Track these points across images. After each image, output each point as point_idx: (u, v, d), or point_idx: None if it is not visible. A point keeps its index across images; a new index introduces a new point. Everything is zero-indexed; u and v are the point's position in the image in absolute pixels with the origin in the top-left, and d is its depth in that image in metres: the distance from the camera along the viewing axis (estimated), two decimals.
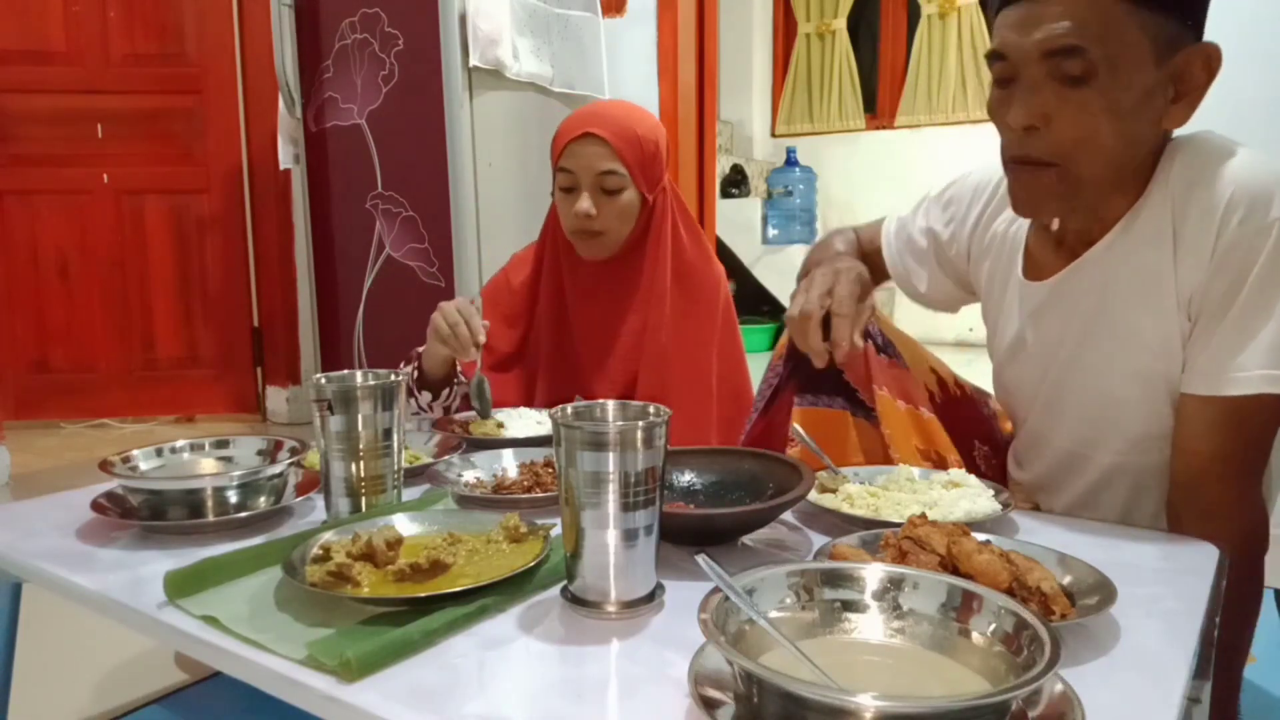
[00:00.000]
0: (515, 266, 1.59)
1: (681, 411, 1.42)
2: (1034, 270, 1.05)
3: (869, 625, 0.63)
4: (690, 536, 0.85)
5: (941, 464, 1.11)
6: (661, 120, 2.87)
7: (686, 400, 1.43)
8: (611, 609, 0.72)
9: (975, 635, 0.59)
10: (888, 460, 1.10)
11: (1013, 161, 0.94)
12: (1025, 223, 1.07)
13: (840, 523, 0.91)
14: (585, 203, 1.38)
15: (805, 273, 1.21)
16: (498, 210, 2.52)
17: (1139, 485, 1.01)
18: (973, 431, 1.21)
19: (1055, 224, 1.01)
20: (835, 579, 0.65)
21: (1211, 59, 0.87)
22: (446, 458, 1.12)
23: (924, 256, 1.21)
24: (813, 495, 0.93)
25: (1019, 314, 1.07)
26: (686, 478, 1.00)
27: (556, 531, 0.78)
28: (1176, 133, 0.94)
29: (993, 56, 0.92)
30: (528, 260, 1.57)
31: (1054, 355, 1.03)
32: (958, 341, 4.40)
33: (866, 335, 1.18)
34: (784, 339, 1.14)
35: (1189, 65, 0.87)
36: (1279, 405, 0.89)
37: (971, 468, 1.18)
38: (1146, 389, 0.96)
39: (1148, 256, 0.92)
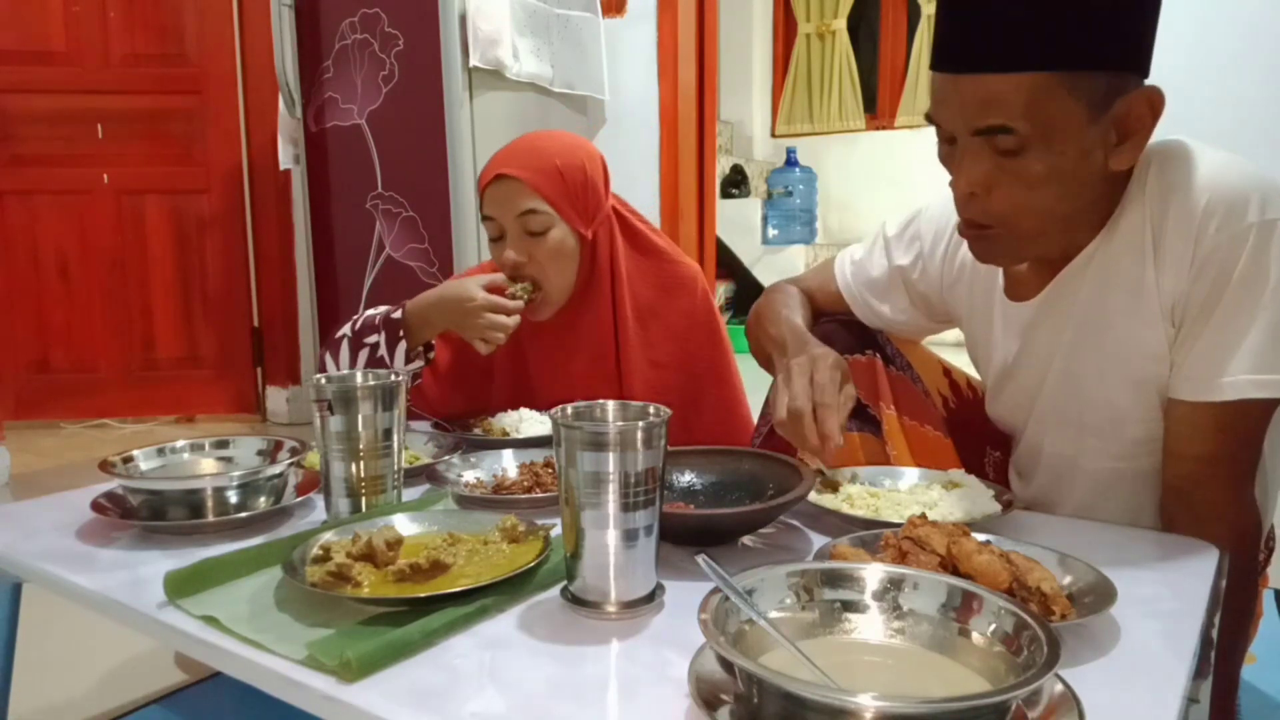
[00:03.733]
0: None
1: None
2: (1015, 289, 1.04)
3: (869, 625, 0.63)
4: (690, 537, 0.85)
5: None
6: (661, 120, 2.88)
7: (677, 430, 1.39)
8: (611, 609, 0.72)
9: (975, 635, 0.60)
10: None
11: (962, 221, 0.94)
12: None
13: (840, 523, 0.91)
14: (510, 251, 1.29)
15: (757, 344, 1.17)
16: None
17: (1137, 492, 1.01)
18: (986, 436, 1.20)
19: None
20: (835, 579, 0.65)
21: (1154, 101, 0.85)
22: (446, 458, 1.12)
23: (888, 293, 1.19)
24: (813, 495, 0.93)
25: (1008, 334, 1.06)
26: (686, 478, 1.00)
27: (556, 531, 0.78)
28: (1151, 141, 0.92)
29: (929, 118, 0.91)
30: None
31: (1046, 369, 1.03)
32: (957, 342, 4.40)
33: (876, 347, 1.17)
34: None
35: (1131, 110, 0.85)
36: (1266, 408, 0.89)
37: (981, 476, 1.18)
38: (1139, 394, 0.96)
39: (1129, 266, 0.92)
